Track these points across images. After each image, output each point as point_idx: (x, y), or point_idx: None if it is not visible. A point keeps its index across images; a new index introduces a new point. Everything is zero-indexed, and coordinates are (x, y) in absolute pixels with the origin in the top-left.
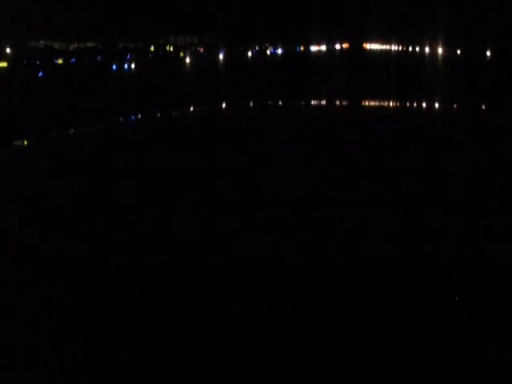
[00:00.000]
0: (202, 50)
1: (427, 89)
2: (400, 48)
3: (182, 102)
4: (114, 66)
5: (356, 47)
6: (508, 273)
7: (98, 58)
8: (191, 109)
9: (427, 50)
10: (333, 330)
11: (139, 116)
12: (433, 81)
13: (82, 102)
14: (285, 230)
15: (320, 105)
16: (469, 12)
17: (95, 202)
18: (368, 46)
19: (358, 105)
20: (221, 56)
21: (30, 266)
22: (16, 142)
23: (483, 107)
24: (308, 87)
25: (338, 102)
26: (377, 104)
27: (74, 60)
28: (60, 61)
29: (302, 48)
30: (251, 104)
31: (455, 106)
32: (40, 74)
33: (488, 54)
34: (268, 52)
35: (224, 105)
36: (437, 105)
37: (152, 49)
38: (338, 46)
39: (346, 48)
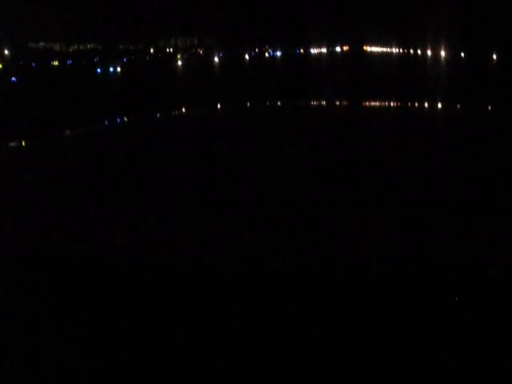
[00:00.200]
0: (201, 52)
1: (427, 91)
2: (401, 50)
3: (177, 104)
4: (99, 70)
5: (356, 50)
6: (508, 273)
7: (95, 59)
8: (191, 110)
9: (427, 52)
10: (333, 329)
11: (139, 117)
12: (433, 83)
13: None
14: (285, 231)
15: (321, 106)
16: (470, 14)
17: (95, 202)
18: (368, 48)
19: (358, 106)
20: (219, 57)
21: (30, 266)
22: (14, 143)
23: (483, 109)
24: (308, 89)
25: (338, 104)
26: (377, 105)
27: (70, 62)
28: (56, 63)
29: (301, 50)
30: (250, 105)
31: (454, 107)
32: (13, 79)
33: (490, 55)
34: (266, 54)
35: (222, 106)
36: (436, 106)
37: (152, 50)
38: (338, 49)
39: (347, 50)
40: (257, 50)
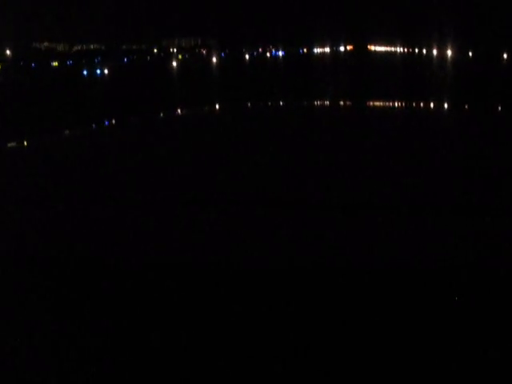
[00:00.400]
0: (204, 52)
1: (432, 90)
2: (405, 50)
3: (177, 103)
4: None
5: (360, 49)
6: (508, 273)
7: (96, 59)
8: (191, 110)
9: (431, 51)
10: (334, 328)
11: (138, 117)
12: (438, 82)
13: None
14: (285, 231)
15: (324, 106)
16: (475, 12)
17: (95, 202)
18: (373, 47)
19: (361, 106)
20: (221, 57)
21: (30, 266)
22: (14, 143)
23: (486, 109)
24: (312, 89)
25: (342, 103)
26: (380, 105)
27: (70, 62)
28: (55, 63)
29: (304, 50)
30: (250, 105)
31: (458, 107)
32: None
33: (496, 54)
34: (268, 54)
35: (219, 106)
36: (440, 106)
37: (155, 50)
38: (342, 48)
39: (350, 50)
40: (260, 49)
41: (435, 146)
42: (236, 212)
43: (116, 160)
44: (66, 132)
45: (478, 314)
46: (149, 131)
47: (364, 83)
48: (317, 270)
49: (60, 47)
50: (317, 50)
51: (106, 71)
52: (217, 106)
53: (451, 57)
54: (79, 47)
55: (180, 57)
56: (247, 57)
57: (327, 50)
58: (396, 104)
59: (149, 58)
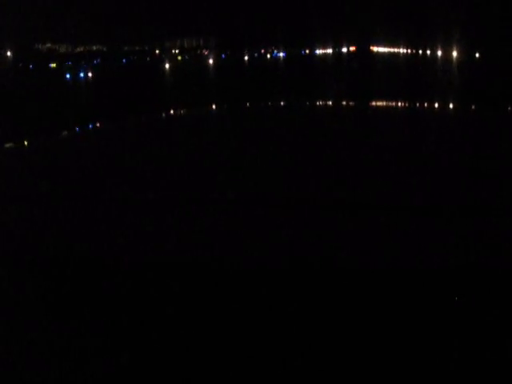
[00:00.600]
0: (206, 53)
1: (435, 91)
2: (408, 51)
3: (173, 104)
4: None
5: (363, 50)
6: (508, 273)
7: (95, 61)
8: (191, 110)
9: (435, 52)
10: (334, 328)
11: (138, 117)
12: (441, 83)
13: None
14: (286, 231)
15: (327, 106)
16: (479, 13)
17: (95, 202)
18: (375, 48)
19: (364, 107)
20: (221, 58)
21: (30, 266)
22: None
23: (486, 109)
24: (315, 89)
25: (345, 104)
26: (382, 106)
27: (69, 63)
28: (53, 65)
29: (307, 51)
30: (248, 105)
31: (461, 108)
32: None
33: (500, 55)
34: (268, 56)
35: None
36: (441, 107)
37: (157, 51)
38: (344, 49)
39: (353, 51)
40: (262, 50)
41: (436, 147)
42: (236, 212)
43: (115, 160)
44: (58, 133)
45: (479, 314)
46: (145, 132)
47: (367, 84)
48: (317, 270)
49: (62, 48)
50: (319, 51)
51: (90, 74)
52: (203, 109)
53: (455, 58)
54: (81, 49)
55: (180, 58)
56: (248, 58)
57: (329, 51)
58: (398, 105)
59: (148, 59)
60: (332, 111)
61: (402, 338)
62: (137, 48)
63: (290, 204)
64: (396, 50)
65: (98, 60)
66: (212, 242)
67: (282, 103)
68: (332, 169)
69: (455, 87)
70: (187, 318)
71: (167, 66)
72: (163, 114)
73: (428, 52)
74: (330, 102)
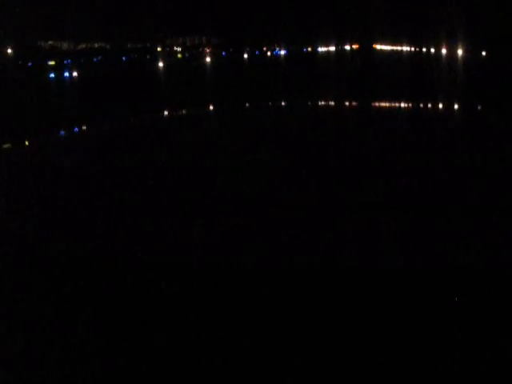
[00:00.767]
0: (208, 51)
1: (439, 90)
2: (412, 49)
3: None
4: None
5: (366, 48)
6: (508, 273)
7: (95, 59)
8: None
9: (437, 50)
10: (335, 329)
11: (137, 117)
12: (444, 82)
13: None
14: (286, 231)
15: (329, 106)
16: (484, 11)
17: (95, 202)
18: (378, 46)
19: (366, 106)
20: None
21: (30, 265)
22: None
23: (488, 109)
24: (317, 88)
25: (347, 103)
26: (385, 106)
27: (68, 61)
28: (52, 62)
29: (309, 49)
30: (247, 105)
31: (459, 107)
32: None
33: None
34: (269, 53)
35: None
36: (444, 107)
37: (159, 49)
38: (347, 47)
39: (356, 48)
40: (265, 48)
41: (436, 147)
42: (236, 212)
43: (115, 161)
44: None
45: (479, 315)
46: (148, 132)
47: (370, 83)
48: (317, 270)
49: (65, 46)
50: (321, 49)
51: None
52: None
53: (459, 56)
54: (84, 46)
55: (180, 56)
56: (250, 56)
57: (332, 48)
58: (402, 104)
59: (148, 56)
60: (333, 111)
61: (402, 338)
62: (129, 46)
63: (289, 204)
64: (399, 47)
65: (85, 59)
66: (212, 243)
67: (282, 103)
68: (332, 169)
69: (458, 86)
70: (187, 318)
71: (162, 64)
72: (159, 114)
73: (430, 50)
74: (332, 102)
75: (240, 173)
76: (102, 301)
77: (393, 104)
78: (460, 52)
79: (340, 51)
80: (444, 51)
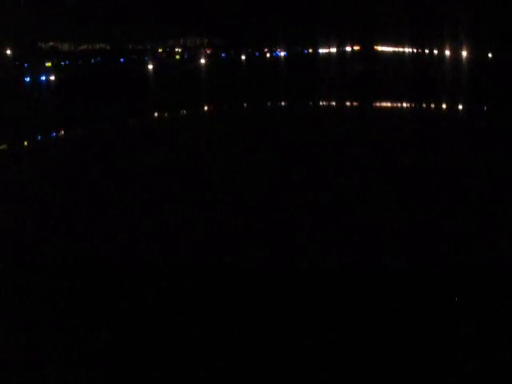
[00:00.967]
0: (208, 52)
1: (440, 92)
2: (413, 50)
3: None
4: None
5: (367, 49)
6: (508, 273)
7: (92, 60)
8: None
9: (439, 51)
10: (335, 328)
11: (137, 117)
12: (445, 83)
13: None
14: (286, 231)
15: (330, 107)
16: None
17: (95, 203)
18: (380, 48)
19: (367, 107)
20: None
21: (31, 266)
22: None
23: (489, 109)
24: (315, 90)
25: (348, 104)
26: (385, 107)
27: (65, 63)
28: (49, 64)
29: (310, 50)
30: (245, 105)
31: (459, 107)
32: None
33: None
34: (269, 55)
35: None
36: (444, 108)
37: (160, 50)
38: (348, 48)
39: (357, 50)
40: (266, 49)
41: (434, 148)
42: (236, 213)
43: (115, 161)
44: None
45: (478, 314)
46: (148, 132)
47: (372, 85)
48: (317, 270)
49: (65, 47)
50: (322, 51)
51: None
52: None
53: (461, 57)
54: (85, 47)
55: (178, 57)
56: (249, 57)
57: (333, 50)
58: (403, 106)
59: (146, 58)
60: (334, 112)
61: (402, 337)
62: (126, 47)
63: (290, 204)
64: (401, 49)
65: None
66: (212, 243)
67: (282, 104)
68: (333, 169)
69: (460, 87)
70: (187, 318)
71: (157, 65)
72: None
73: (432, 51)
74: (330, 103)
75: (239, 173)
76: (102, 301)
77: (394, 105)
78: (462, 53)
79: (341, 53)
80: (446, 52)
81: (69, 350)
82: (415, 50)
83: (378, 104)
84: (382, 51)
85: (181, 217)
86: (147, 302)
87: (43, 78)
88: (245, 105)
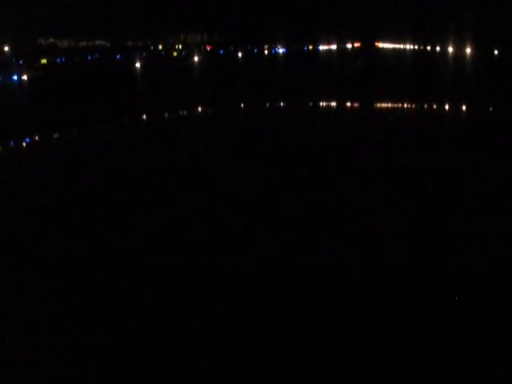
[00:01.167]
0: (208, 49)
1: (440, 90)
2: (413, 47)
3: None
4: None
5: (368, 46)
6: (508, 273)
7: (89, 57)
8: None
9: (439, 48)
10: (335, 329)
11: (137, 117)
12: (446, 81)
13: None
14: (286, 232)
15: (330, 106)
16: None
17: (94, 202)
18: (380, 44)
19: (367, 107)
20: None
21: (30, 266)
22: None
23: (489, 108)
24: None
25: (349, 104)
26: (386, 106)
27: (60, 59)
28: (44, 61)
29: (310, 47)
30: (243, 106)
31: (460, 107)
32: None
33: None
34: (268, 52)
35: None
36: (444, 107)
37: (160, 47)
38: (349, 45)
39: (358, 47)
40: (266, 46)
41: (434, 148)
42: (236, 213)
43: (115, 161)
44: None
45: (478, 315)
46: (148, 132)
47: (373, 83)
48: (317, 270)
49: (65, 44)
50: (322, 48)
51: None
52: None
53: (461, 54)
54: (84, 44)
55: (175, 54)
56: (249, 54)
57: (333, 46)
58: (404, 105)
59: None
60: (335, 112)
61: (402, 337)
62: (124, 44)
63: (290, 205)
64: (402, 45)
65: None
66: (212, 243)
67: (281, 103)
68: (333, 170)
69: (462, 84)
70: (186, 319)
71: (138, 65)
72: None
73: (433, 48)
74: (333, 102)
75: (241, 173)
76: (102, 301)
77: (394, 104)
78: (464, 50)
79: (341, 49)
80: (448, 49)
81: (68, 350)
82: (417, 47)
83: (377, 103)
84: (383, 48)
85: (178, 217)
86: (146, 303)
87: (15, 77)
88: (237, 105)
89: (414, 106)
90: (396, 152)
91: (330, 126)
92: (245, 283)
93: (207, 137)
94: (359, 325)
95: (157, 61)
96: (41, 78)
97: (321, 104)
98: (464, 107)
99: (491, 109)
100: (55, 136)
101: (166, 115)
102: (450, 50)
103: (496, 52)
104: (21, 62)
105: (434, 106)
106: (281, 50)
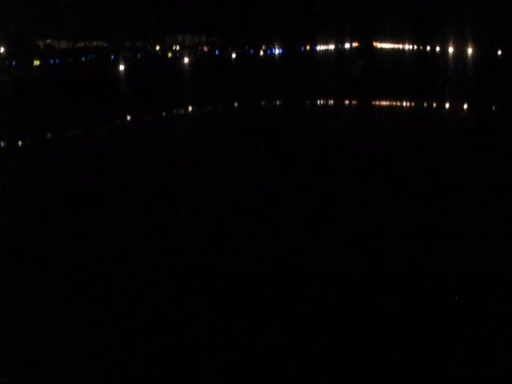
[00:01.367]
0: (206, 50)
1: (440, 90)
2: (412, 47)
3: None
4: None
5: (366, 46)
6: (508, 273)
7: (84, 58)
8: (195, 109)
9: (439, 48)
10: (334, 329)
11: (137, 116)
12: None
13: None
14: (286, 232)
15: (328, 105)
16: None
17: (94, 202)
18: (379, 44)
19: (366, 106)
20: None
21: (30, 265)
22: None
23: (489, 107)
24: (316, 87)
25: (347, 102)
26: (385, 105)
27: (53, 61)
28: (36, 62)
29: (307, 47)
30: (241, 105)
31: (460, 106)
32: None
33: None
34: (262, 53)
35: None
36: (445, 106)
37: (157, 47)
38: (347, 45)
39: (356, 47)
40: (263, 47)
41: (434, 147)
42: (236, 213)
43: (114, 160)
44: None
45: (479, 315)
46: (147, 131)
47: (371, 84)
48: (317, 270)
49: (62, 44)
50: (320, 48)
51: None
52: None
53: (461, 54)
54: (81, 44)
55: (170, 55)
56: (244, 55)
57: (331, 47)
58: (403, 104)
59: (139, 55)
60: (334, 111)
61: (402, 337)
62: (137, 45)
63: (290, 205)
64: (400, 46)
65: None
66: (212, 243)
67: (278, 102)
68: (333, 169)
69: (460, 84)
70: (187, 318)
71: (124, 66)
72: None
73: (432, 48)
74: (331, 102)
75: (240, 173)
76: (102, 301)
77: (393, 103)
78: (463, 50)
79: (339, 50)
80: (448, 49)
81: (68, 350)
82: (416, 47)
83: (377, 102)
84: (382, 48)
85: (177, 217)
86: (147, 303)
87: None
88: (232, 104)
89: (413, 105)
90: (396, 152)
91: (329, 125)
92: (245, 283)
93: (205, 136)
94: (359, 325)
95: (153, 61)
96: (34, 78)
97: (319, 103)
98: (464, 107)
99: (492, 108)
100: (49, 136)
101: (163, 114)
102: (450, 50)
103: (496, 52)
104: (13, 63)
105: (434, 106)
106: (276, 51)
